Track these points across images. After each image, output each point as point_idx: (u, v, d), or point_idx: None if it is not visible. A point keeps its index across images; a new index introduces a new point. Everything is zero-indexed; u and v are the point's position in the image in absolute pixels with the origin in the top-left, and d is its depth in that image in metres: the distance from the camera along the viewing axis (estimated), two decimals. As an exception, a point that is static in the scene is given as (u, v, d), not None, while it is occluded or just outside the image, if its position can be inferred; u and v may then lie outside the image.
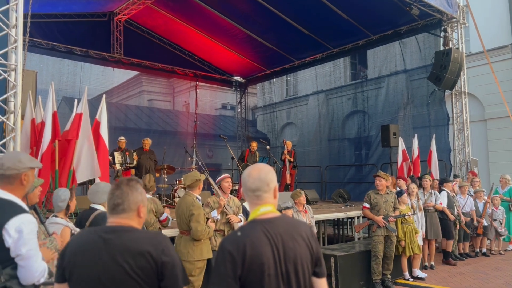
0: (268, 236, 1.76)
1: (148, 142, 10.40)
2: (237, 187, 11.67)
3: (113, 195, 1.96)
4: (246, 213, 5.64)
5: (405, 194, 7.22)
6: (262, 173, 1.89)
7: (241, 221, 5.44)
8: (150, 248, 1.81)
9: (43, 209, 6.09)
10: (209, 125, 16.57)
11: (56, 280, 1.91)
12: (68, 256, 1.85)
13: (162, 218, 5.18)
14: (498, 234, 9.18)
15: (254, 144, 11.31)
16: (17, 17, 5.37)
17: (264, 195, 1.87)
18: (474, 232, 8.90)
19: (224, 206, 5.23)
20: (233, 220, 5.30)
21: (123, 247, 1.81)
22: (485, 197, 9.25)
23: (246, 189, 1.89)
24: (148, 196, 5.12)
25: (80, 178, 5.84)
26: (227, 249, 1.73)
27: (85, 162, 5.80)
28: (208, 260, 5.04)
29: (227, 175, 5.67)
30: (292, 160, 11.45)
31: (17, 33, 5.35)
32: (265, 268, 1.71)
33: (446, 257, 8.24)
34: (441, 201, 8.15)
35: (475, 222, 8.82)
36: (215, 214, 5.18)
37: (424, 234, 7.66)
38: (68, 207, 4.00)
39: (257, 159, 11.25)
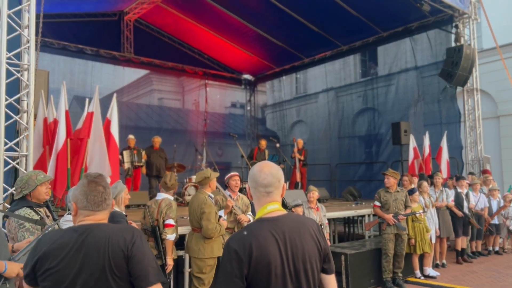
0: (275, 235, 1.76)
1: (158, 140, 10.45)
2: (246, 186, 11.72)
3: (97, 191, 1.92)
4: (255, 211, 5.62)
5: (417, 193, 7.16)
6: (274, 169, 1.90)
7: (250, 220, 5.45)
8: (120, 241, 1.80)
9: (55, 207, 6.18)
10: (219, 123, 16.61)
11: (28, 283, 1.83)
12: (41, 255, 1.78)
13: (167, 222, 4.76)
14: (510, 232, 9.07)
15: (263, 142, 11.29)
16: (30, 17, 5.44)
17: (274, 192, 1.87)
18: (487, 230, 8.81)
19: (233, 206, 5.25)
20: (243, 219, 5.31)
21: (97, 244, 1.78)
22: (500, 196, 9.14)
23: (257, 184, 1.87)
24: (169, 196, 4.97)
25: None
26: (233, 248, 1.72)
27: (97, 161, 5.86)
28: (219, 258, 5.07)
29: (236, 173, 5.68)
30: (302, 158, 11.42)
31: (29, 34, 5.42)
32: (272, 267, 1.71)
33: (458, 256, 8.17)
34: (451, 198, 8.09)
35: (487, 219, 8.73)
36: (221, 214, 5.20)
37: (438, 231, 7.59)
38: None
39: (267, 157, 11.24)
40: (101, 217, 1.92)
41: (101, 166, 5.84)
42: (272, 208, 1.85)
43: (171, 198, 4.98)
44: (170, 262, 4.73)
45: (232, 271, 1.70)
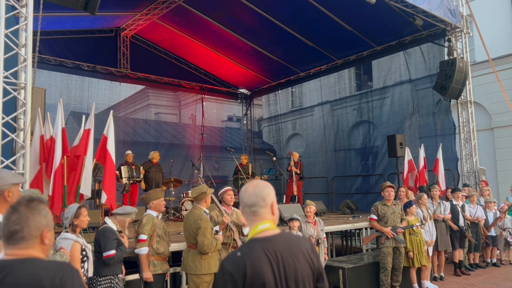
0: (268, 255, 1.75)
1: (157, 155, 10.47)
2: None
3: (8, 220, 1.60)
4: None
5: (414, 206, 7.18)
6: (258, 189, 1.89)
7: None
8: (46, 283, 1.52)
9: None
10: (216, 137, 16.66)
11: None
12: None
13: (139, 237, 4.82)
14: (508, 244, 9.08)
15: (243, 157, 11.38)
16: (27, 36, 5.48)
17: (260, 211, 1.86)
18: (484, 242, 8.82)
19: (228, 223, 5.27)
20: (237, 238, 5.34)
21: (17, 286, 1.50)
22: (495, 208, 9.16)
23: (243, 205, 1.89)
24: (152, 213, 5.03)
25: (83, 191, 5.90)
26: (227, 270, 1.72)
27: (87, 178, 5.88)
28: (215, 274, 5.05)
29: (229, 187, 5.70)
30: (298, 171, 11.45)
31: (26, 52, 5.46)
32: (266, 287, 1.71)
33: (456, 268, 8.16)
34: (448, 211, 8.10)
35: (484, 232, 8.73)
36: (217, 229, 5.21)
37: (431, 243, 7.56)
38: (73, 223, 4.05)
39: (250, 170, 11.28)
40: (24, 252, 1.59)
41: (85, 184, 5.86)
42: (264, 228, 1.84)
43: (154, 214, 5.03)
44: (145, 275, 4.73)
45: None
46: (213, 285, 1.78)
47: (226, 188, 5.66)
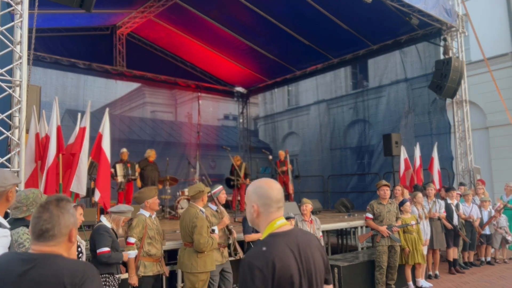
0: (291, 249, 1.79)
1: (153, 153, 10.43)
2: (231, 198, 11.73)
3: (39, 219, 1.67)
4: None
5: (408, 203, 7.22)
6: (279, 185, 1.96)
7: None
8: (67, 280, 1.58)
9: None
10: (212, 135, 16.64)
11: None
12: None
13: (127, 240, 4.80)
14: (505, 242, 9.13)
15: (236, 158, 11.39)
16: (22, 34, 5.46)
17: (282, 207, 1.94)
18: (478, 241, 8.88)
19: (227, 225, 5.28)
20: (235, 236, 5.38)
21: (40, 281, 1.57)
22: (490, 207, 9.22)
23: (271, 200, 1.90)
24: (145, 213, 4.97)
25: (76, 189, 5.87)
26: (255, 266, 1.71)
27: (77, 178, 5.83)
28: (211, 273, 5.06)
29: (221, 186, 5.71)
30: (285, 169, 11.47)
31: (21, 50, 5.44)
32: (294, 280, 1.74)
33: (451, 266, 8.21)
34: (443, 209, 8.14)
35: (478, 230, 8.79)
36: (216, 231, 5.21)
37: (428, 241, 7.61)
38: None
39: (242, 170, 11.27)
40: (52, 249, 1.66)
41: (79, 183, 5.81)
42: (282, 223, 1.89)
43: (146, 214, 4.96)
44: (131, 281, 4.66)
45: None
46: (240, 284, 1.73)
47: (220, 186, 5.66)
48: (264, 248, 1.76)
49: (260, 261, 1.71)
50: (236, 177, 11.07)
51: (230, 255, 5.56)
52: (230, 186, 11.41)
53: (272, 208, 1.90)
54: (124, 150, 9.95)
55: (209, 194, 5.42)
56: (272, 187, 1.92)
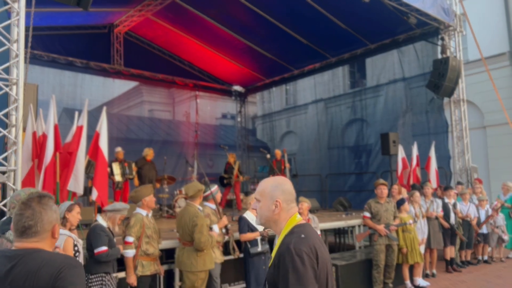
0: (318, 238, 1.93)
1: (151, 152, 10.40)
2: (233, 197, 11.73)
3: (22, 216, 1.69)
4: (247, 225, 5.60)
5: (407, 203, 7.22)
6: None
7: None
8: (47, 270, 1.61)
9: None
10: (210, 134, 16.62)
11: None
12: None
13: (125, 240, 4.76)
14: (501, 241, 9.16)
15: (230, 156, 11.35)
16: (19, 32, 5.44)
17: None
18: (475, 239, 8.90)
19: (227, 226, 5.29)
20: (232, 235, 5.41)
21: (25, 275, 1.60)
22: (488, 206, 9.25)
23: (293, 197, 2.02)
24: (142, 212, 4.92)
25: (73, 188, 5.85)
26: (303, 250, 1.78)
27: (74, 176, 5.81)
28: (210, 271, 5.06)
29: (217, 185, 5.72)
30: (283, 167, 11.47)
31: (18, 48, 5.41)
32: (328, 266, 1.84)
33: (448, 265, 8.23)
34: (441, 209, 8.15)
35: (475, 229, 8.82)
36: (216, 229, 5.21)
37: (425, 240, 7.62)
38: (64, 217, 4.04)
39: (236, 169, 11.23)
40: (36, 244, 1.69)
41: (76, 181, 5.79)
42: (300, 217, 2.00)
43: (144, 213, 4.92)
44: (129, 280, 4.64)
45: (310, 275, 1.74)
46: (287, 270, 1.69)
47: (216, 186, 5.67)
48: (302, 235, 1.85)
49: (305, 247, 1.79)
50: (229, 175, 11.00)
51: (229, 253, 5.58)
52: (224, 184, 11.36)
53: (293, 203, 2.01)
54: (119, 149, 9.87)
55: (209, 192, 5.44)
56: (290, 184, 2.03)
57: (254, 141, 17.45)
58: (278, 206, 1.95)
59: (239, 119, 17.54)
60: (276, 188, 1.98)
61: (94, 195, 6.01)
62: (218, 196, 5.58)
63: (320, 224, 7.36)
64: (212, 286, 5.20)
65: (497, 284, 7.12)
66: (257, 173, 13.82)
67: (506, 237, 9.13)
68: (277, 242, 1.94)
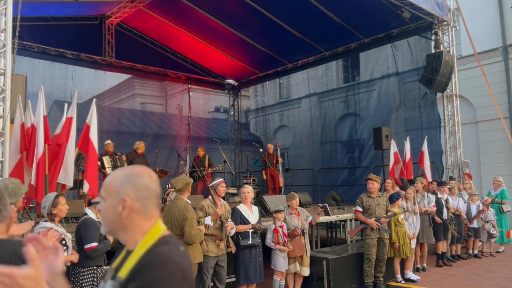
0: None
1: (142, 145, 10.30)
2: (234, 191, 11.67)
3: None
4: (240, 217, 5.60)
5: (400, 199, 7.21)
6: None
7: (234, 228, 5.44)
8: (5, 254, 1.61)
9: (32, 213, 6.04)
10: (202, 128, 16.53)
11: None
12: None
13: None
14: (490, 236, 9.23)
15: (199, 149, 11.43)
16: (6, 21, 5.33)
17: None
18: (466, 234, 8.96)
19: (221, 216, 5.22)
20: (229, 228, 5.32)
21: None
22: (479, 201, 9.30)
23: (150, 194, 1.43)
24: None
25: (62, 180, 5.77)
26: (187, 272, 1.37)
27: (64, 168, 5.73)
28: (199, 264, 5.02)
29: (222, 179, 5.67)
30: (274, 162, 11.44)
31: (6, 38, 5.31)
32: None
33: (439, 259, 8.27)
34: (433, 204, 8.18)
35: (466, 223, 8.87)
36: (208, 221, 5.15)
37: (413, 236, 7.60)
38: (51, 213, 3.97)
39: (206, 162, 11.14)
40: None
41: (66, 173, 5.72)
42: (164, 226, 1.63)
43: None
44: None
45: None
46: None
47: (219, 179, 5.62)
48: (182, 248, 1.41)
49: (187, 265, 1.36)
50: (200, 168, 10.58)
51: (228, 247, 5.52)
52: (195, 179, 10.96)
53: (152, 204, 1.43)
54: (109, 141, 9.73)
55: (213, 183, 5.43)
56: (151, 176, 1.46)
57: (247, 135, 17.39)
58: (125, 207, 1.36)
59: (232, 113, 17.46)
60: (126, 182, 1.39)
61: (86, 187, 5.94)
62: (221, 190, 5.49)
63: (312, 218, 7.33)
64: (202, 280, 5.15)
65: (486, 278, 7.17)
66: (250, 167, 13.79)
67: (495, 232, 9.20)
68: (130, 258, 1.33)
